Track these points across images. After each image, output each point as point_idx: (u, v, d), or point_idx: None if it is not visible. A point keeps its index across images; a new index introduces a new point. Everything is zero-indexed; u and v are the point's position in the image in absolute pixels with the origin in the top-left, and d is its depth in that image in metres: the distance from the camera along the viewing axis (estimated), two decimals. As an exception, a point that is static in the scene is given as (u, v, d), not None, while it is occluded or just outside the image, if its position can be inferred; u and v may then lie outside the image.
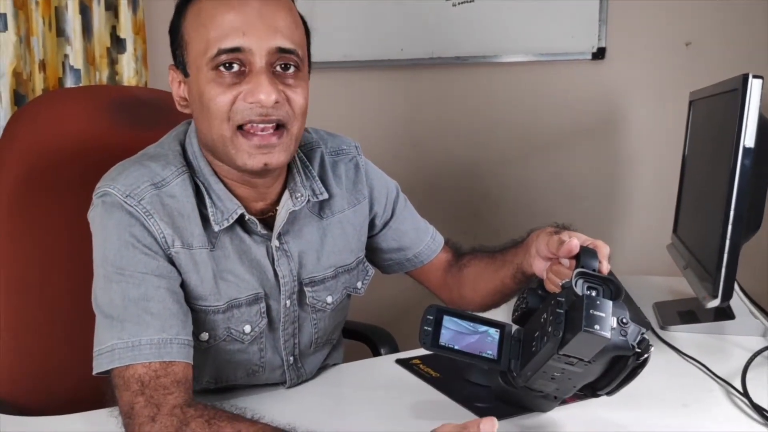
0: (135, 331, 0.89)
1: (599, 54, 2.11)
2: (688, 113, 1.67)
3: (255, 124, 0.94)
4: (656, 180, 2.11)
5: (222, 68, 0.93)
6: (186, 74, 0.98)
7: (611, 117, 2.15)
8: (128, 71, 1.99)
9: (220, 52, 0.92)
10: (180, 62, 0.99)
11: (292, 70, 0.96)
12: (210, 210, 0.99)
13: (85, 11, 1.89)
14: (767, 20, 1.99)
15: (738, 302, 1.33)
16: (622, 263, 2.06)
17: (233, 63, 0.93)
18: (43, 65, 1.80)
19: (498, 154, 2.23)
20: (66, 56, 1.86)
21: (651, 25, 2.09)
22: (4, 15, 1.68)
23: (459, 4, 2.15)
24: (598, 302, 0.80)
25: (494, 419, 0.74)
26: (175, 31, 1.00)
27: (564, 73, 2.15)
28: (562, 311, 0.82)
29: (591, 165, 2.18)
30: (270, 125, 0.94)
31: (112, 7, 1.97)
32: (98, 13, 1.93)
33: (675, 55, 2.08)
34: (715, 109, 1.38)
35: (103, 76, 1.95)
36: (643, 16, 2.08)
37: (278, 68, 0.95)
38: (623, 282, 1.53)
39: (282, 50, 0.94)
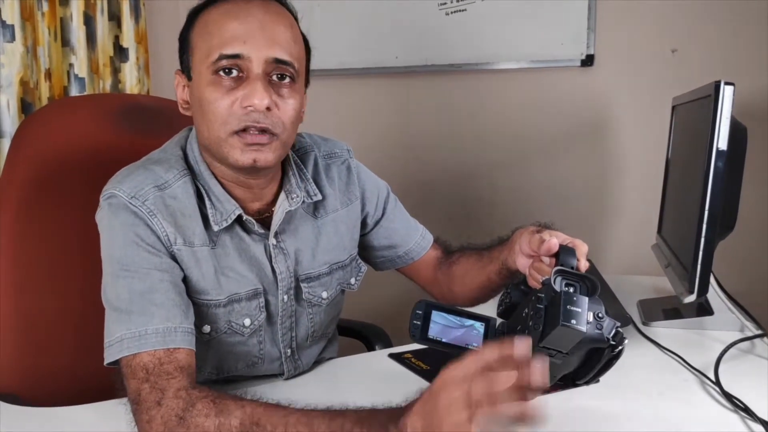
0: (141, 321, 0.94)
1: (588, 61, 2.15)
2: (671, 118, 1.72)
3: (249, 131, 0.99)
4: (642, 182, 2.15)
5: (222, 73, 0.98)
6: (190, 78, 1.04)
7: (599, 122, 2.19)
8: (131, 79, 2.04)
9: (221, 57, 0.97)
10: (185, 67, 1.05)
11: (287, 80, 1.01)
12: (210, 211, 1.04)
13: (89, 22, 1.94)
14: (750, 27, 2.03)
15: (716, 299, 1.38)
16: (610, 263, 2.12)
17: (232, 68, 0.98)
18: (48, 74, 1.85)
19: (490, 158, 2.27)
20: (71, 65, 1.91)
21: (638, 33, 2.12)
22: (12, 26, 1.72)
23: (452, 12, 2.20)
24: (575, 298, 0.83)
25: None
26: (184, 38, 1.05)
27: (554, 79, 2.19)
28: (542, 306, 0.86)
29: (580, 168, 2.22)
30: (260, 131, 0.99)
31: (115, 18, 2.02)
32: (102, 24, 1.97)
33: (661, 62, 2.12)
34: (693, 114, 1.43)
35: (106, 84, 2.00)
36: (630, 24, 2.12)
37: (274, 77, 1.00)
38: (609, 281, 1.61)
39: (279, 61, 0.99)
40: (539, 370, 0.68)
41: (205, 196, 1.05)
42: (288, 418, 0.84)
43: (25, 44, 1.75)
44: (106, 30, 1.99)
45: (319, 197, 1.15)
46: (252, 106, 0.97)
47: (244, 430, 0.84)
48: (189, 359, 0.95)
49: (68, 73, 1.92)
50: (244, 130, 0.99)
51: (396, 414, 0.81)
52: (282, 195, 1.10)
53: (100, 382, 1.02)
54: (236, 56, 0.97)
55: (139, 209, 0.99)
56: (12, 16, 1.72)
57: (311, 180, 1.15)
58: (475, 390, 0.71)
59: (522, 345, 0.71)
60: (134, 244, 0.98)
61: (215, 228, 1.04)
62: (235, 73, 0.98)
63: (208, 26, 1.01)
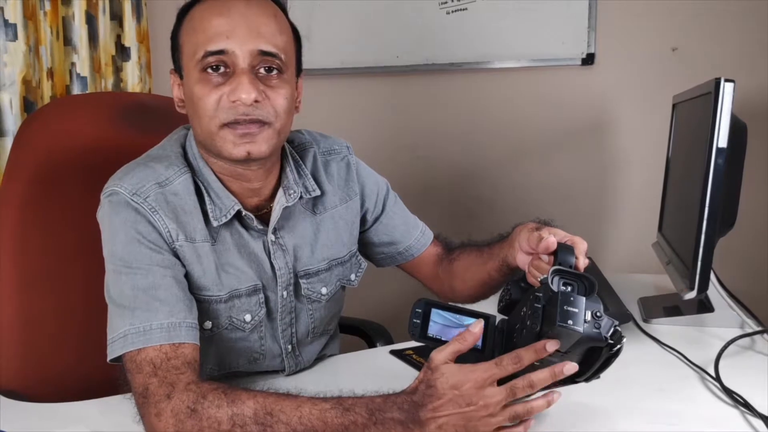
0: (145, 317, 0.94)
1: (588, 60, 2.15)
2: (671, 116, 1.73)
3: (238, 123, 0.99)
4: (643, 180, 2.15)
5: (209, 69, 0.99)
6: (182, 76, 1.05)
7: (600, 120, 2.19)
8: (133, 78, 2.04)
9: (207, 54, 0.98)
10: (177, 66, 1.06)
11: (274, 72, 1.01)
12: (209, 207, 1.04)
13: (91, 21, 1.94)
14: (750, 25, 2.04)
15: (716, 296, 1.39)
16: (611, 261, 2.12)
17: (219, 65, 0.99)
18: (51, 73, 1.85)
19: (491, 157, 2.27)
20: (73, 64, 1.91)
21: (638, 32, 2.13)
22: (14, 25, 1.73)
23: (453, 12, 2.20)
24: (572, 298, 0.84)
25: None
26: (174, 38, 1.06)
27: (554, 78, 2.20)
28: (539, 306, 0.86)
29: (580, 167, 2.22)
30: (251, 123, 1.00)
31: (116, 17, 2.02)
32: (104, 23, 1.98)
33: (662, 61, 2.12)
34: (694, 112, 1.43)
35: (108, 83, 2.00)
36: (630, 22, 2.12)
37: (261, 71, 1.00)
38: (610, 278, 1.61)
39: (264, 53, 0.99)
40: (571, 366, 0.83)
41: (204, 192, 1.05)
42: (300, 409, 0.86)
43: (28, 43, 1.75)
44: (108, 29, 1.99)
45: (318, 193, 1.15)
46: (239, 100, 0.98)
47: (258, 420, 0.85)
48: (194, 354, 0.95)
49: (70, 72, 1.92)
50: (235, 122, 0.99)
51: (410, 407, 0.84)
52: (280, 191, 1.10)
53: (104, 378, 1.02)
54: (221, 52, 0.98)
55: (140, 206, 0.99)
56: (14, 16, 1.73)
57: (309, 176, 1.15)
58: (516, 390, 0.83)
59: (553, 345, 0.82)
60: (136, 241, 0.98)
61: (214, 224, 1.04)
62: (221, 68, 0.99)
63: (194, 24, 1.01)
